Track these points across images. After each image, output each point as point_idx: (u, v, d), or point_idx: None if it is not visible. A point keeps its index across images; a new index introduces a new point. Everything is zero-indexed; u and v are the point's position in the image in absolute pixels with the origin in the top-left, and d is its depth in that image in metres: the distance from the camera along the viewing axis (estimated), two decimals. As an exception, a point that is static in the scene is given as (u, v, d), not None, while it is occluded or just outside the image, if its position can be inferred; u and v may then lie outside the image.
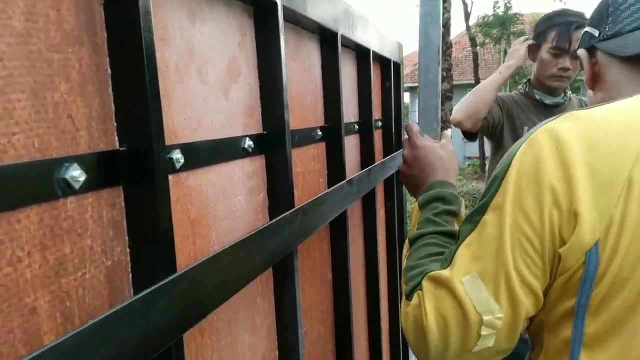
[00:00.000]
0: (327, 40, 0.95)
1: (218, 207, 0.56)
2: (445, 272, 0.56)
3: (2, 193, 0.30)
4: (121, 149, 0.40)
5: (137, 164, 0.40)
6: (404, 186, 0.98)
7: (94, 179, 0.37)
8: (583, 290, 0.53)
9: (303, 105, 0.87)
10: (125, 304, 0.33)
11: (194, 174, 0.51)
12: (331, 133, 0.97)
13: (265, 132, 0.69)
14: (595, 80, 0.76)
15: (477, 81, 14.46)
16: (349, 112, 1.18)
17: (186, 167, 0.49)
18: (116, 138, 0.40)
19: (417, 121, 1.07)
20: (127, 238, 0.41)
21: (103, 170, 0.38)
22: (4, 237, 0.30)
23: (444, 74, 10.96)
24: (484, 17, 13.19)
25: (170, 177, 0.47)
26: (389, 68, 1.49)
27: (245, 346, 0.62)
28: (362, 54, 1.21)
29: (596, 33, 0.75)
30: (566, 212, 0.51)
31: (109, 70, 0.40)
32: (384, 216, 1.48)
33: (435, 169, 0.79)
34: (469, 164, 19.27)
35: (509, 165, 0.56)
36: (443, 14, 9.76)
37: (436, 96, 1.11)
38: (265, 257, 0.55)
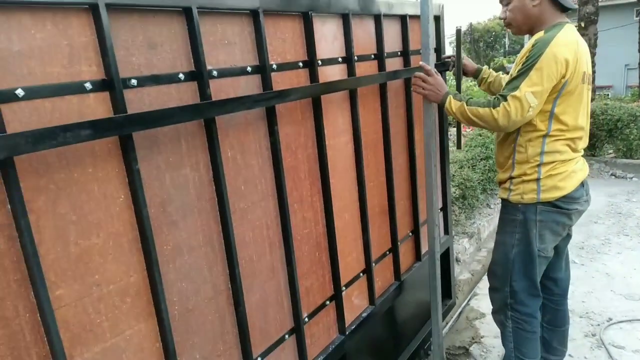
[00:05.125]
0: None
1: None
2: (516, 92, 1.77)
3: None
4: None
5: None
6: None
7: None
8: (562, 88, 1.79)
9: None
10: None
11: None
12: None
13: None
14: (530, 17, 1.92)
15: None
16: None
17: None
18: None
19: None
20: None
21: None
22: None
23: (588, -5, 10.34)
24: None
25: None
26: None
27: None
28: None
29: None
30: (565, 69, 1.78)
31: None
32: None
33: (444, 84, 2.01)
34: (631, 94, 17.47)
35: (544, 50, 1.74)
36: None
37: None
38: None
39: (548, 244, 1.96)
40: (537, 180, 1.89)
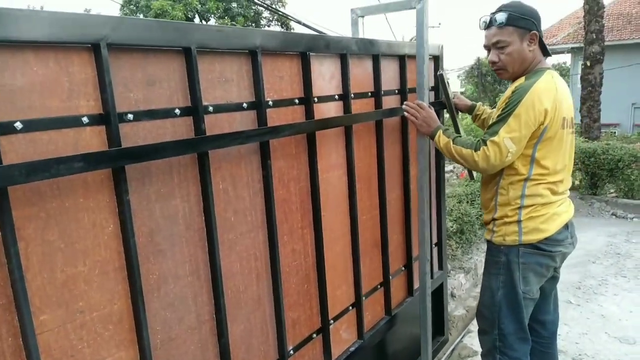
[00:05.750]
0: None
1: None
2: (495, 137, 1.81)
3: None
4: None
5: None
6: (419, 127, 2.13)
7: None
8: (542, 134, 1.82)
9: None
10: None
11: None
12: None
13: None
14: (526, 61, 1.91)
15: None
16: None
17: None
18: None
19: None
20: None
21: None
22: None
23: (594, 37, 10.51)
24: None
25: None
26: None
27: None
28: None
29: (534, 29, 1.89)
30: (544, 117, 1.81)
31: None
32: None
33: (436, 119, 2.06)
34: (638, 133, 17.49)
35: (522, 98, 1.78)
36: (593, -27, 9.37)
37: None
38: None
39: (532, 285, 1.96)
40: (519, 222, 1.91)
